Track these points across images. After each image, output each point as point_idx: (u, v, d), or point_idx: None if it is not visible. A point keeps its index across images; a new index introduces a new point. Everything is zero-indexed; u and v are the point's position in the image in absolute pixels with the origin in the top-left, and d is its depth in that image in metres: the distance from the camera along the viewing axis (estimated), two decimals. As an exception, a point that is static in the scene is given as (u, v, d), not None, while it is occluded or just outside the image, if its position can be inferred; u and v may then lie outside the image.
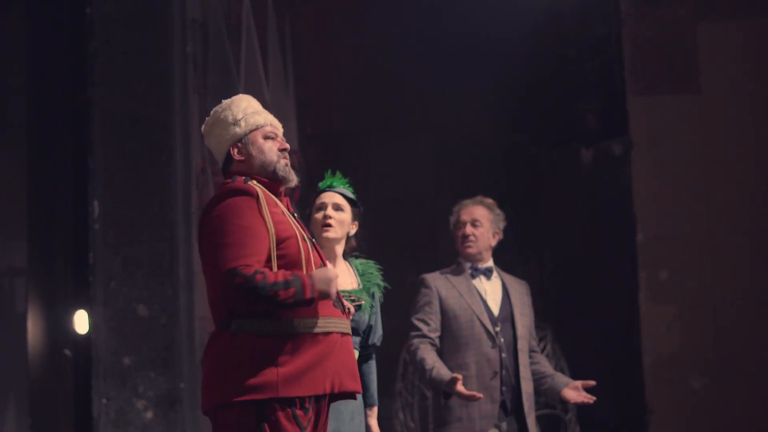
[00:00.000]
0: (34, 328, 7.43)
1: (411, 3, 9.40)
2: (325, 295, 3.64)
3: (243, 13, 8.30)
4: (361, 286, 4.57)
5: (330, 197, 4.56)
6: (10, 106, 7.68)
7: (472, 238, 5.40)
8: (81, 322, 7.49)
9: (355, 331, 4.42)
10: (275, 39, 8.82)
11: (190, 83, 7.40)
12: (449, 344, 5.31)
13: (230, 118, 3.84)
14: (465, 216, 5.44)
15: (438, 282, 5.37)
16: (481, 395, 5.07)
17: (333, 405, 4.29)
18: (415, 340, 5.29)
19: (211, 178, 7.58)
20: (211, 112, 3.92)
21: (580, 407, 8.09)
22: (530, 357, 5.50)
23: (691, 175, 8.19)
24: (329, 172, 4.65)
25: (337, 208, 4.55)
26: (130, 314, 7.08)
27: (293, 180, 3.83)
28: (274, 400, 3.58)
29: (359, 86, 9.73)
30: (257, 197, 3.69)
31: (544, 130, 9.35)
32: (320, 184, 4.62)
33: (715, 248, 8.12)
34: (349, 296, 4.47)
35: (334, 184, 4.61)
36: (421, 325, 5.31)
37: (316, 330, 3.64)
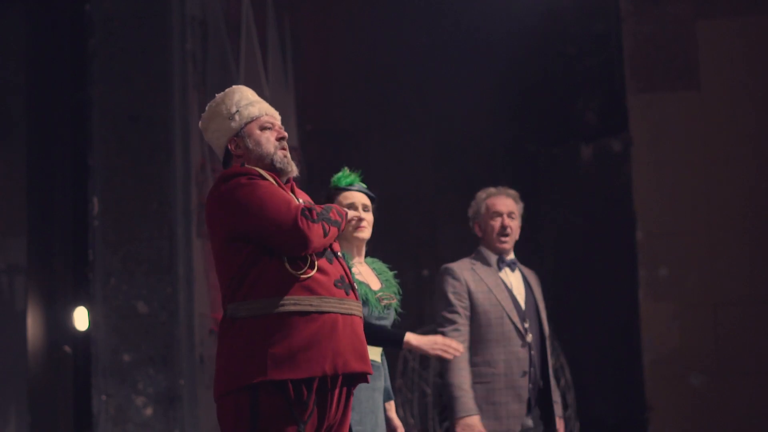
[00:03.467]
0: (33, 325, 7.43)
1: (411, 0, 9.41)
2: None
3: (242, 10, 8.30)
4: (384, 285, 4.56)
5: (358, 198, 4.51)
6: (9, 103, 7.67)
7: (509, 231, 5.14)
8: (81, 319, 7.49)
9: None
10: (275, 36, 8.82)
11: (190, 80, 7.39)
12: (477, 339, 5.06)
13: (224, 112, 3.78)
14: (501, 206, 5.17)
15: (466, 274, 5.11)
16: None
17: (371, 398, 4.23)
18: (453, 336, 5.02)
19: (211, 175, 7.58)
20: (207, 107, 3.86)
21: (581, 405, 8.09)
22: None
23: (690, 172, 8.20)
24: (345, 168, 4.59)
25: (366, 209, 4.52)
26: (130, 311, 7.08)
27: (292, 171, 3.77)
28: (266, 388, 3.48)
29: (359, 83, 9.73)
30: (259, 175, 3.65)
31: (544, 127, 9.35)
32: (341, 181, 4.53)
33: (714, 245, 8.13)
34: (384, 296, 4.46)
35: (355, 182, 4.57)
36: (455, 317, 5.06)
37: (310, 309, 3.54)
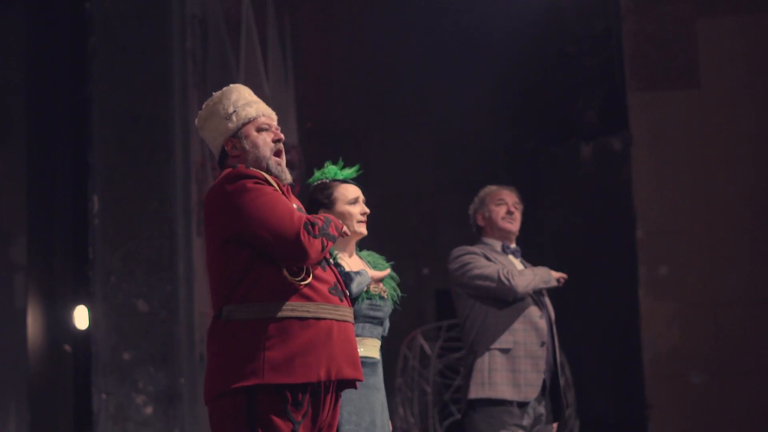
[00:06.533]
0: (33, 323, 7.43)
1: (411, 0, 9.42)
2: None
3: (242, 8, 8.31)
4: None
5: (360, 192, 4.45)
6: (9, 103, 7.67)
7: (516, 215, 5.28)
8: (81, 317, 7.50)
9: (380, 321, 4.43)
10: (275, 34, 8.83)
11: (190, 79, 7.39)
12: (496, 308, 5.15)
13: (222, 112, 3.74)
14: (506, 197, 5.31)
15: (478, 251, 5.22)
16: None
17: (365, 396, 4.23)
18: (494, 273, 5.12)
19: (210, 174, 7.58)
20: (204, 105, 3.82)
21: (581, 404, 8.09)
22: None
23: (690, 171, 8.20)
24: (341, 161, 4.56)
25: (365, 203, 4.53)
26: (130, 310, 7.08)
27: (286, 179, 3.76)
28: (263, 390, 3.50)
29: (359, 82, 9.75)
30: (264, 180, 3.64)
31: (544, 125, 9.37)
32: (342, 174, 4.48)
33: (714, 244, 8.13)
34: (375, 286, 4.44)
35: (351, 176, 4.54)
36: (483, 262, 5.18)
37: (307, 315, 3.57)
